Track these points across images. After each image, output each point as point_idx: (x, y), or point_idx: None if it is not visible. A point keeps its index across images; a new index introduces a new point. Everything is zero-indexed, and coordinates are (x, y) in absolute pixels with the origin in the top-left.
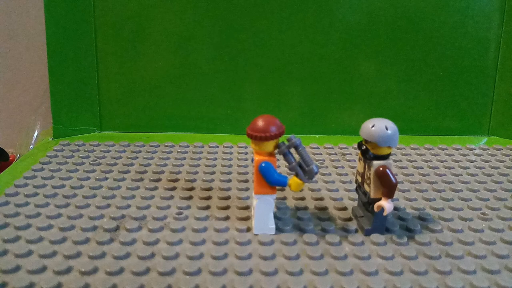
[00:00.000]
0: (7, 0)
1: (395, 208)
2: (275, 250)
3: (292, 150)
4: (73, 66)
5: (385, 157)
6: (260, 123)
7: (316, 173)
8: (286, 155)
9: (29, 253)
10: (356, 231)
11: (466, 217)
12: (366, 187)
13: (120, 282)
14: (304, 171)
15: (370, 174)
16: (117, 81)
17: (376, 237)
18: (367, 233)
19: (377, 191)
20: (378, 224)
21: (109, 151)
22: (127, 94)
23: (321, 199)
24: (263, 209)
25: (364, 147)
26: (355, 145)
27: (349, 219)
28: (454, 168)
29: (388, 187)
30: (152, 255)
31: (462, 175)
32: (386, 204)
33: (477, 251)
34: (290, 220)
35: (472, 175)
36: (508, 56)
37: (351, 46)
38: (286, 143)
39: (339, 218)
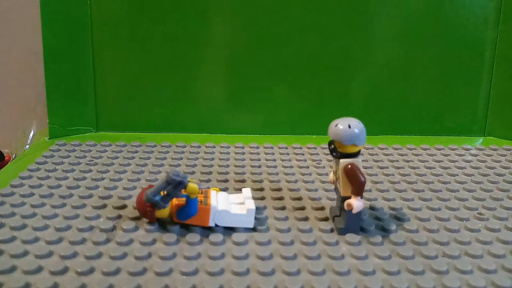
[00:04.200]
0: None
1: (392, 208)
2: (273, 250)
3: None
4: (69, 66)
5: (353, 155)
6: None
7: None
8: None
9: (25, 253)
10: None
11: (462, 217)
12: (338, 185)
13: (117, 283)
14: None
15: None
16: (114, 81)
17: (373, 237)
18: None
19: (347, 189)
20: (352, 222)
21: (105, 151)
22: (123, 94)
23: (319, 199)
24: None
25: (332, 146)
26: None
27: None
28: (450, 168)
29: (355, 184)
30: (149, 255)
31: (458, 175)
32: (355, 202)
33: (473, 250)
34: (288, 220)
35: (468, 175)
36: (504, 56)
37: (347, 46)
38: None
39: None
